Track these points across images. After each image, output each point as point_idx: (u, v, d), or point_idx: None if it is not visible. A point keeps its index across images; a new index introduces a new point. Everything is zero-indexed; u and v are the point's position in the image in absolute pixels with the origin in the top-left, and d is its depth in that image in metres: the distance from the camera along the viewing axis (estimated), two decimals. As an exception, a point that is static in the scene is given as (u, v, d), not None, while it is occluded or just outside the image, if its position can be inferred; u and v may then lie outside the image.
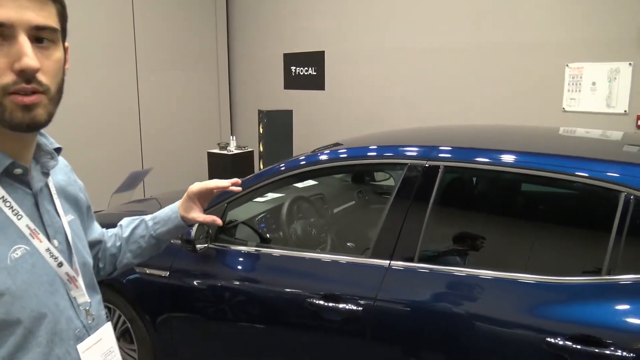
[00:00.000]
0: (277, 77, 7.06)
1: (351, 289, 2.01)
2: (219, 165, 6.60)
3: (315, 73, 6.56)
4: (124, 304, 2.59)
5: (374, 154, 2.31)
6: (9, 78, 0.81)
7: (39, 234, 0.92)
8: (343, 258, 2.17)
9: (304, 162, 2.34)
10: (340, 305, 1.98)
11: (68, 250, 0.99)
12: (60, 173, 1.09)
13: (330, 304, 2.00)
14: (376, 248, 2.05)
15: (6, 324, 0.84)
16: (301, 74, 6.75)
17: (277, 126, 6.03)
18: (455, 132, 2.74)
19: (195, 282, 2.36)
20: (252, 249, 2.34)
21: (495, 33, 4.86)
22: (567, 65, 4.47)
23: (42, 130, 0.96)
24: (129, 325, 2.60)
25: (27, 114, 0.84)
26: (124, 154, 6.59)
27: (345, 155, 2.31)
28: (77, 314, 0.98)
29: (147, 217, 1.40)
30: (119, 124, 6.58)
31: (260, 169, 5.89)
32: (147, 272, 2.45)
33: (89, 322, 1.01)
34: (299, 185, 2.91)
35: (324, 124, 6.47)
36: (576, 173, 1.81)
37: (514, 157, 1.97)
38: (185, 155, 7.14)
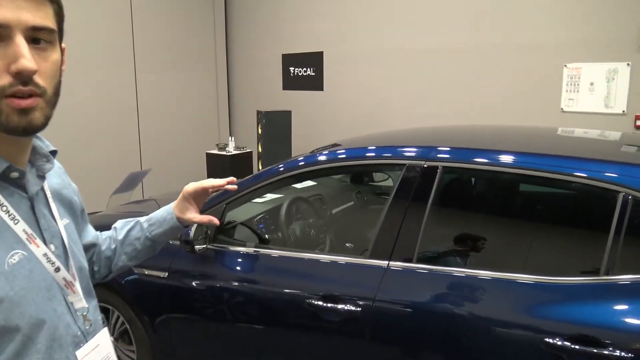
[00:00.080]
0: (275, 77, 7.06)
1: (350, 290, 2.02)
2: (217, 166, 6.60)
3: (313, 74, 6.57)
4: (122, 305, 2.58)
5: (373, 154, 2.31)
6: (5, 80, 0.80)
7: (35, 238, 0.91)
8: (342, 259, 2.18)
9: (302, 163, 2.34)
10: (339, 306, 1.98)
11: (65, 255, 0.98)
12: (55, 176, 1.07)
13: (329, 305, 2.00)
14: (375, 249, 2.05)
15: (5, 330, 0.83)
16: (300, 74, 6.76)
17: (275, 127, 6.03)
18: (453, 132, 2.74)
19: (194, 283, 2.36)
20: (251, 250, 2.34)
21: (494, 34, 4.87)
22: (565, 65, 4.47)
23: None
24: (128, 326, 2.60)
25: (23, 118, 0.82)
26: (122, 155, 6.58)
27: (344, 156, 2.31)
28: (75, 319, 0.97)
29: (142, 219, 1.38)
30: (118, 124, 6.58)
31: (259, 169, 5.89)
32: (146, 273, 2.45)
33: (87, 327, 0.99)
34: (298, 185, 2.91)
35: (323, 124, 6.47)
36: (574, 173, 1.81)
37: (513, 157, 1.97)
38: (184, 156, 7.14)
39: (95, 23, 6.24)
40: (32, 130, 0.85)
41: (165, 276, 2.40)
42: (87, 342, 0.99)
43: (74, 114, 5.97)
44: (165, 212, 1.39)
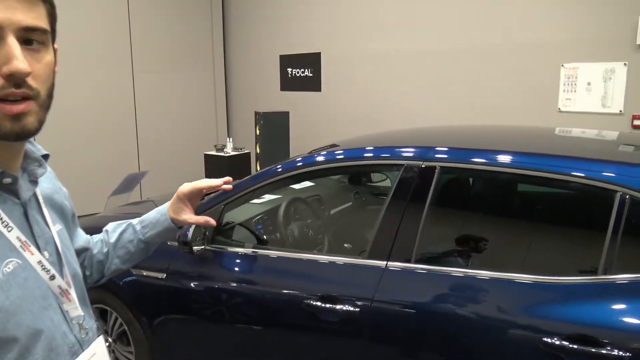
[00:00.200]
0: (273, 78, 7.06)
1: (348, 290, 2.02)
2: (215, 167, 6.59)
3: (311, 75, 6.57)
4: (120, 306, 2.58)
5: (371, 155, 2.31)
6: None
7: (30, 246, 0.88)
8: (340, 259, 2.18)
9: (300, 164, 2.34)
10: (338, 307, 1.98)
11: (59, 261, 0.96)
12: (45, 181, 1.04)
13: (328, 305, 2.00)
14: (373, 249, 2.05)
15: (2, 341, 0.81)
16: (297, 75, 6.76)
17: (273, 128, 6.03)
18: (451, 132, 2.74)
19: (192, 284, 2.36)
20: (249, 251, 2.34)
21: (491, 34, 4.87)
22: (562, 65, 4.48)
23: None
24: (126, 328, 2.60)
25: (16, 123, 0.80)
26: (120, 156, 6.58)
27: (341, 157, 2.31)
28: (71, 328, 0.94)
29: (134, 221, 1.35)
30: (116, 126, 6.57)
31: (257, 170, 5.89)
32: (144, 274, 2.45)
33: (83, 336, 0.97)
34: (296, 186, 2.91)
35: (321, 125, 6.47)
36: (572, 173, 1.82)
37: (510, 157, 1.97)
38: (182, 157, 7.13)
39: (93, 24, 6.24)
40: (25, 135, 0.82)
41: (164, 277, 2.40)
42: (83, 351, 0.97)
43: (72, 115, 5.96)
44: (159, 213, 1.36)
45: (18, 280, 0.84)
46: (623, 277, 1.65)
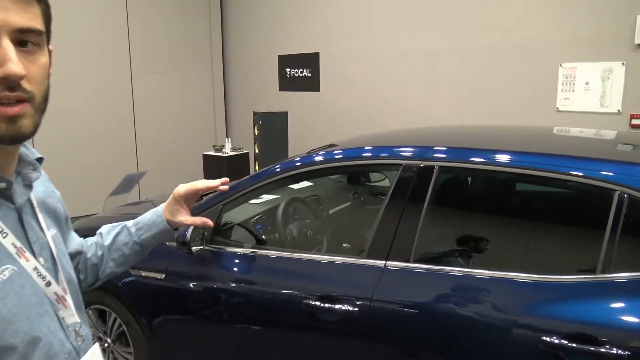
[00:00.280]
0: (272, 78, 7.07)
1: (347, 290, 2.02)
2: (214, 168, 6.59)
3: (310, 75, 6.57)
4: (119, 307, 2.58)
5: (369, 154, 2.31)
6: None
7: (25, 252, 0.86)
8: (339, 259, 2.18)
9: (299, 164, 2.34)
10: (337, 306, 1.98)
11: (54, 267, 0.93)
12: (39, 184, 1.00)
13: (327, 305, 2.00)
14: (372, 249, 2.05)
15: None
16: (296, 75, 6.76)
17: (272, 128, 6.03)
18: (449, 132, 2.74)
19: (191, 285, 2.36)
20: (248, 251, 2.34)
21: (489, 34, 4.88)
22: (560, 65, 4.49)
23: None
24: (125, 328, 2.59)
25: (11, 126, 0.78)
26: (119, 157, 6.58)
27: (340, 156, 2.31)
28: (67, 335, 0.92)
29: (129, 223, 1.33)
30: (114, 126, 6.57)
31: (255, 170, 5.89)
32: (143, 274, 2.45)
33: (79, 343, 0.94)
34: (295, 186, 2.91)
35: (319, 125, 6.47)
36: (571, 172, 1.82)
37: (509, 156, 1.97)
38: (180, 158, 7.13)
39: (91, 24, 6.24)
40: (20, 138, 0.80)
41: (163, 278, 2.40)
42: (80, 358, 0.95)
43: (70, 115, 5.96)
44: (155, 215, 1.34)
45: (14, 288, 0.82)
46: (622, 275, 1.65)
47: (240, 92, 7.67)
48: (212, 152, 6.72)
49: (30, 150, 0.95)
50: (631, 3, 4.07)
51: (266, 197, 2.92)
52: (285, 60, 6.86)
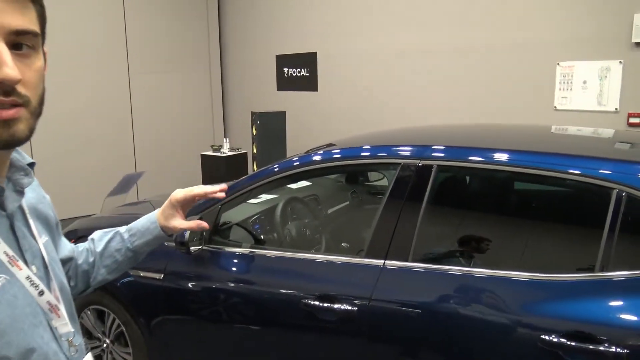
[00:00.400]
0: (269, 78, 7.06)
1: (346, 289, 2.01)
2: (212, 168, 6.59)
3: (307, 74, 6.57)
4: (118, 307, 2.58)
5: (368, 154, 2.31)
6: None
7: (17, 260, 0.83)
8: (338, 258, 2.18)
9: (297, 163, 2.34)
10: (335, 306, 1.98)
11: (46, 275, 0.91)
12: (29, 190, 0.96)
13: (325, 305, 2.00)
14: (370, 248, 2.05)
15: None
16: (294, 75, 6.76)
17: (270, 128, 6.03)
18: (448, 131, 2.75)
19: (189, 285, 2.36)
20: (246, 251, 2.33)
21: (487, 33, 4.88)
22: (558, 64, 4.49)
23: None
24: (124, 329, 2.59)
25: (6, 130, 0.75)
26: (117, 157, 6.57)
27: (338, 156, 2.31)
28: (60, 345, 0.89)
29: (122, 229, 1.29)
30: (112, 126, 6.57)
31: (254, 170, 5.89)
32: (141, 274, 2.44)
33: (72, 354, 0.91)
34: (293, 186, 2.91)
35: (317, 125, 6.47)
36: (569, 171, 1.82)
37: (507, 155, 1.97)
38: (178, 158, 7.13)
39: (89, 25, 6.23)
40: (15, 143, 0.77)
41: (161, 278, 2.40)
42: None
43: (68, 116, 5.95)
44: (148, 221, 1.31)
45: (7, 298, 0.79)
46: (620, 274, 1.66)
47: (238, 92, 7.67)
48: (210, 152, 6.72)
49: (22, 155, 0.93)
50: (629, 2, 4.08)
51: (264, 197, 2.92)
52: (283, 60, 6.86)
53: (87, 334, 2.76)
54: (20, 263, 0.84)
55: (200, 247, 2.30)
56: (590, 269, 1.71)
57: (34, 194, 1.00)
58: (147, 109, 6.85)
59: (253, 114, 6.16)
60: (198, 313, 2.38)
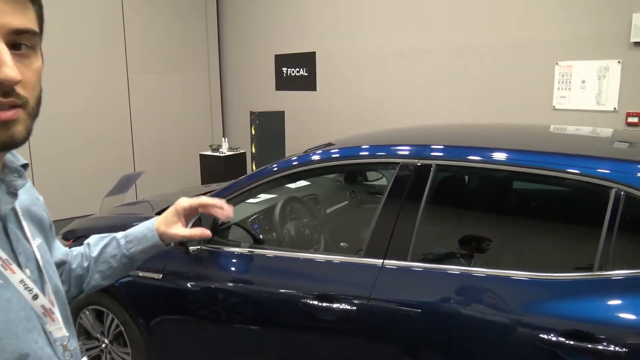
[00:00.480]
0: (268, 78, 7.06)
1: (345, 289, 2.02)
2: (211, 167, 6.59)
3: (306, 74, 6.57)
4: (117, 308, 2.57)
5: (366, 153, 2.31)
6: None
7: (11, 264, 0.81)
8: (336, 258, 2.18)
9: (296, 163, 2.34)
10: (334, 305, 1.98)
11: (40, 279, 0.88)
12: (22, 191, 0.94)
13: (324, 304, 2.00)
14: (369, 247, 2.05)
15: None
16: (292, 75, 6.75)
17: (269, 127, 6.03)
18: (446, 130, 2.75)
19: (188, 284, 2.36)
20: (245, 250, 2.33)
21: (486, 33, 4.88)
22: (556, 63, 4.50)
23: None
24: (123, 329, 2.59)
25: (4, 132, 0.73)
26: (115, 157, 6.57)
27: (337, 155, 2.31)
28: (55, 350, 0.87)
29: (119, 235, 1.26)
30: (111, 126, 6.56)
31: (252, 170, 5.89)
32: (140, 274, 2.44)
33: (67, 358, 0.89)
34: (292, 185, 2.91)
35: (316, 124, 6.47)
36: (567, 170, 1.82)
37: (506, 155, 1.98)
38: (177, 158, 7.12)
39: (87, 24, 6.22)
40: (12, 144, 0.75)
41: (160, 278, 2.40)
42: None
43: (67, 116, 5.95)
44: (146, 228, 1.27)
45: (1, 302, 0.77)
46: (619, 273, 1.66)
47: (237, 92, 7.67)
48: (209, 152, 6.72)
49: (15, 156, 0.90)
50: (627, 1, 4.08)
51: (263, 197, 2.92)
52: (282, 60, 6.86)
53: (86, 334, 2.76)
54: (14, 266, 0.82)
55: (199, 246, 2.30)
56: (589, 268, 1.72)
57: (27, 196, 0.98)
58: (145, 109, 6.84)
59: (252, 113, 6.16)
60: (197, 313, 2.38)
